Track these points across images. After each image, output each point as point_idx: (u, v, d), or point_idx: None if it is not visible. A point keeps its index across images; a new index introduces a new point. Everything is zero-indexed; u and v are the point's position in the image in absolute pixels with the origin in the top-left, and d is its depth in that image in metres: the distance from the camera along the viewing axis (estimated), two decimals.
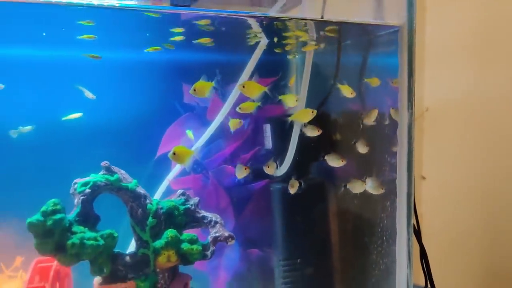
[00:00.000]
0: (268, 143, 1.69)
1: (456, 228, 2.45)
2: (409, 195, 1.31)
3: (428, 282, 1.99)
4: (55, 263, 1.27)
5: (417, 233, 1.58)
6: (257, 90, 1.43)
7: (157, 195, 1.66)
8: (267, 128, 1.68)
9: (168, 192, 1.70)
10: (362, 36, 1.66)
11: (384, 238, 1.49)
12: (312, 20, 1.47)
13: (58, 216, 1.17)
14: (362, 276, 1.61)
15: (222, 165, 1.72)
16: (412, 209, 1.31)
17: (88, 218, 1.25)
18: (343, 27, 1.57)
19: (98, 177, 1.29)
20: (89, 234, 1.21)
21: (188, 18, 1.55)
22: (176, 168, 1.68)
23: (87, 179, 1.28)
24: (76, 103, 1.70)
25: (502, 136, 2.23)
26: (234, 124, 1.55)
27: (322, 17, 1.48)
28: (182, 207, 1.38)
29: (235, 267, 1.75)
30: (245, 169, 1.54)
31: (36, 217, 1.15)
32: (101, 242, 1.21)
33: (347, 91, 1.52)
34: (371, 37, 1.61)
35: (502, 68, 2.17)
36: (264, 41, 1.54)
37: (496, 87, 2.24)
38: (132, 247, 1.57)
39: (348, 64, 1.72)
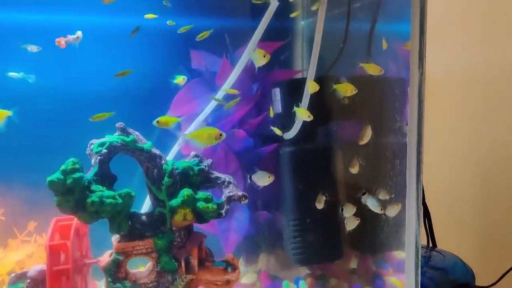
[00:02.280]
0: (278, 107, 1.70)
1: (453, 195, 2.52)
2: (419, 150, 1.34)
3: (431, 241, 2.05)
4: (74, 222, 1.29)
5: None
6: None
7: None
8: (277, 92, 1.69)
9: (179, 156, 1.71)
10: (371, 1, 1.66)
11: (393, 195, 1.53)
12: None
13: (77, 174, 1.19)
14: (371, 233, 1.65)
15: (232, 130, 1.73)
16: (422, 164, 1.34)
17: (105, 177, 1.28)
18: None
19: (114, 137, 1.30)
20: (108, 192, 1.23)
21: None
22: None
23: (103, 139, 1.29)
24: (88, 69, 1.71)
25: (499, 107, 2.27)
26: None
27: None
28: (196, 168, 1.41)
29: (245, 229, 1.78)
30: (269, 177, 1.54)
31: (56, 175, 1.17)
32: (120, 200, 1.24)
33: (347, 89, 1.52)
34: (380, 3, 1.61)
35: (502, 41, 2.20)
36: (274, 4, 1.53)
37: (495, 60, 2.26)
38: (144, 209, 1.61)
39: (357, 30, 1.73)
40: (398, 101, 1.75)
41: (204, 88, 1.80)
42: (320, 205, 1.55)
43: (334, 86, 1.50)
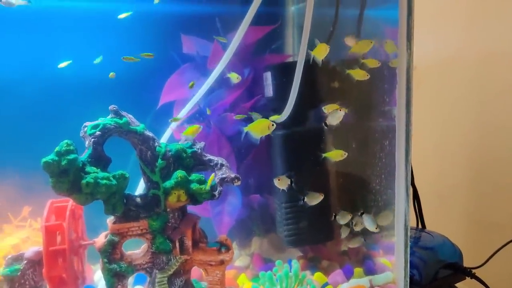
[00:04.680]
0: (269, 91, 1.72)
1: (443, 178, 2.57)
2: (408, 130, 1.37)
3: (420, 223, 2.10)
4: (70, 203, 1.31)
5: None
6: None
7: None
8: (268, 76, 1.71)
9: (171, 140, 1.73)
10: None
11: (383, 176, 1.57)
12: None
13: (71, 156, 1.20)
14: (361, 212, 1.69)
15: (224, 114, 1.75)
16: (411, 146, 1.37)
17: (99, 159, 1.29)
18: None
19: (107, 120, 1.31)
20: (102, 174, 1.25)
21: None
22: (179, 116, 1.71)
23: (96, 122, 1.30)
24: (80, 55, 1.71)
25: (489, 91, 2.31)
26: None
27: None
28: (189, 150, 1.43)
29: (238, 212, 1.81)
30: (321, 195, 1.57)
31: (51, 157, 1.18)
32: (114, 182, 1.25)
33: (360, 75, 1.54)
34: None
35: (493, 24, 2.23)
36: None
37: (486, 44, 2.30)
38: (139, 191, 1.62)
39: (346, 14, 1.75)
40: (388, 83, 1.77)
41: (195, 73, 1.81)
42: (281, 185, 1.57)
43: (347, 71, 1.53)
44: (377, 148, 1.60)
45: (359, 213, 1.57)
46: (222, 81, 1.73)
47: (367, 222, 1.55)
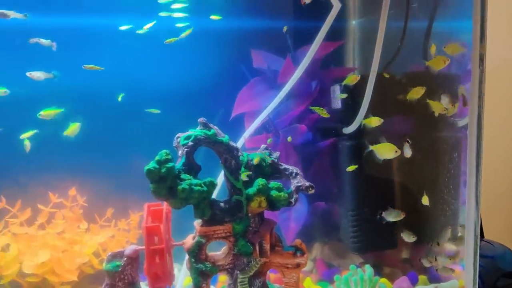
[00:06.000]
0: (338, 103, 1.80)
1: (501, 186, 2.57)
2: (479, 144, 1.42)
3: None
4: (164, 207, 1.43)
5: None
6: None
7: None
8: (336, 88, 1.79)
9: (242, 149, 1.84)
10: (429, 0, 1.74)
11: (451, 186, 1.62)
12: None
13: (170, 164, 1.33)
14: (428, 222, 1.74)
15: (293, 125, 1.84)
16: (482, 158, 1.42)
17: (191, 167, 1.41)
18: None
19: (197, 131, 1.43)
20: (195, 181, 1.37)
21: None
22: (251, 128, 1.82)
23: (188, 133, 1.42)
24: (160, 70, 1.86)
25: None
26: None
27: None
28: (268, 160, 1.53)
29: (304, 219, 1.90)
30: (402, 215, 1.61)
31: (153, 165, 1.31)
32: (205, 188, 1.37)
33: (438, 108, 1.59)
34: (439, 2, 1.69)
35: None
36: (337, 6, 1.63)
37: None
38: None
39: (414, 28, 1.81)
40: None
41: (265, 86, 1.92)
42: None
43: (426, 63, 1.57)
44: (446, 159, 1.65)
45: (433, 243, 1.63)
46: (290, 93, 1.83)
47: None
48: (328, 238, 1.99)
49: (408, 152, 1.56)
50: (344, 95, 1.66)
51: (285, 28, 1.73)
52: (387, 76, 1.64)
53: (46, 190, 1.78)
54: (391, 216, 1.59)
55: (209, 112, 1.94)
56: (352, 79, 1.59)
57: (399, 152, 1.54)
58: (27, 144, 1.58)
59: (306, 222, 1.92)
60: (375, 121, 1.56)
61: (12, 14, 1.49)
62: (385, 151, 1.55)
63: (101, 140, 1.84)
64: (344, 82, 1.62)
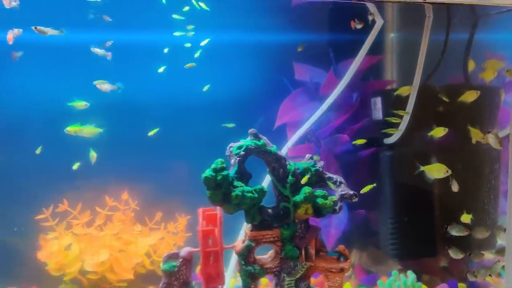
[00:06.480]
0: (379, 114, 1.86)
1: None
2: None
3: None
4: (218, 212, 1.53)
5: None
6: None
7: None
8: (378, 100, 1.86)
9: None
10: (469, 15, 1.79)
11: (492, 196, 1.65)
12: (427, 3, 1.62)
13: (225, 172, 1.42)
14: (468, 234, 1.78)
15: (334, 135, 1.92)
16: None
17: (243, 175, 1.50)
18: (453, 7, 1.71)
19: (248, 141, 1.53)
20: (247, 188, 1.46)
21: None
22: (294, 138, 1.90)
23: (240, 143, 1.52)
24: (209, 81, 1.97)
25: None
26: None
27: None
28: (313, 168, 1.61)
29: (344, 225, 1.96)
30: (466, 232, 1.66)
31: (209, 172, 1.41)
32: (256, 195, 1.46)
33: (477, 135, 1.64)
34: (479, 16, 1.74)
35: None
36: (380, 22, 1.70)
37: None
38: None
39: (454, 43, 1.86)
40: (490, 107, 1.86)
41: (306, 97, 2.00)
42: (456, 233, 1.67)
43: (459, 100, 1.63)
44: (487, 170, 1.69)
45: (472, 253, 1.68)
46: (332, 105, 1.91)
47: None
48: (366, 245, 2.05)
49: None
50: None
51: (300, 48, 1.81)
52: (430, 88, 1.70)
53: (102, 194, 1.91)
54: (455, 231, 1.64)
55: (252, 122, 2.06)
56: (405, 89, 1.66)
57: (449, 172, 1.59)
58: (94, 156, 1.69)
59: (346, 229, 1.98)
60: (440, 131, 1.61)
61: (50, 31, 1.58)
62: (435, 171, 1.61)
63: (149, 148, 1.96)
64: (397, 92, 1.68)
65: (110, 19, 1.63)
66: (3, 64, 1.82)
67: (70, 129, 1.64)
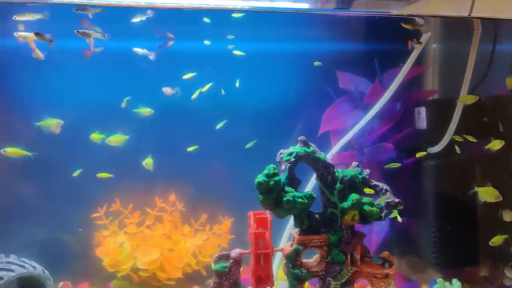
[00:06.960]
0: (423, 124, 1.89)
1: None
2: None
3: None
4: (269, 215, 1.59)
5: None
6: None
7: None
8: (422, 110, 1.89)
9: None
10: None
11: None
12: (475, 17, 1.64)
13: (277, 178, 1.48)
14: (504, 243, 1.78)
15: (378, 144, 1.95)
16: None
17: (293, 181, 1.56)
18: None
19: (298, 148, 1.58)
20: (297, 193, 1.51)
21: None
22: (338, 145, 1.95)
23: (290, 150, 1.58)
24: (254, 90, 2.04)
25: None
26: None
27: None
28: (360, 176, 1.65)
29: (385, 233, 1.99)
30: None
31: (262, 178, 1.47)
32: (306, 200, 1.51)
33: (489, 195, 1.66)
34: None
35: None
36: (427, 34, 1.73)
37: None
38: None
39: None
40: None
41: (350, 106, 2.05)
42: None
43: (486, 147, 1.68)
44: None
45: None
46: (376, 114, 1.94)
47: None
48: (406, 253, 2.07)
49: None
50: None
51: (316, 63, 1.85)
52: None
53: (152, 195, 1.99)
54: (508, 216, 1.65)
55: (293, 128, 2.11)
56: (470, 98, 1.68)
57: (500, 198, 1.61)
58: (150, 164, 1.77)
59: (386, 236, 2.01)
60: (497, 144, 1.64)
61: (93, 34, 1.63)
62: (487, 195, 1.63)
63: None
64: (461, 100, 1.70)
65: (173, 36, 1.72)
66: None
67: (95, 137, 1.71)
